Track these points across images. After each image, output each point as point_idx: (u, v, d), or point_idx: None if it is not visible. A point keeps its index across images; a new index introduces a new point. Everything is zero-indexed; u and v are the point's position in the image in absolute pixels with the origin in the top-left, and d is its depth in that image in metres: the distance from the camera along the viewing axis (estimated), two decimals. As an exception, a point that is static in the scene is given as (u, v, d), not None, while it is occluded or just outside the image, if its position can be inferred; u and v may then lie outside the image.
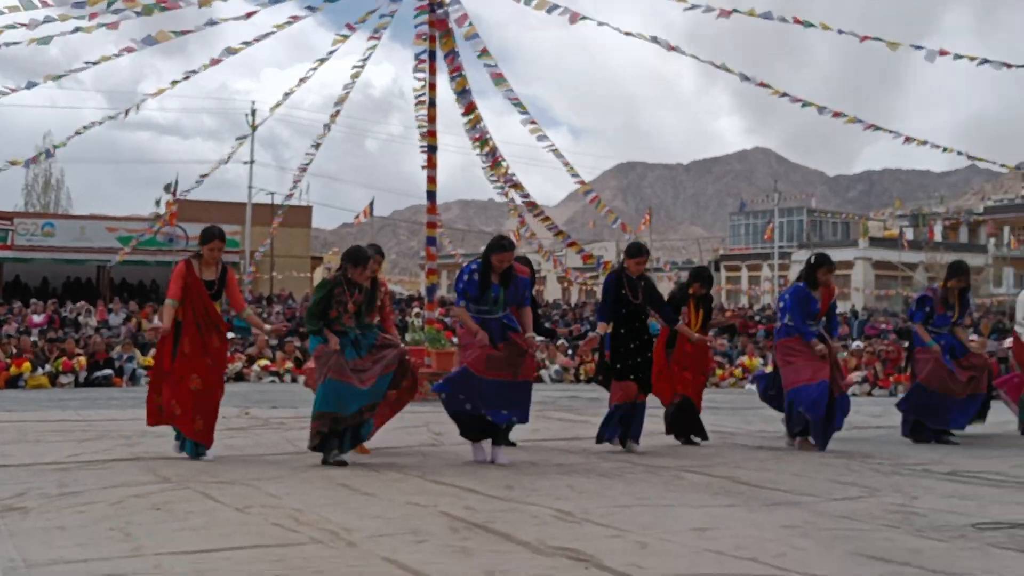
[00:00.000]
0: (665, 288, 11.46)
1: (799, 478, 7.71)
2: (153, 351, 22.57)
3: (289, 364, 23.09)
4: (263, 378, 22.71)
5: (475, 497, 6.58)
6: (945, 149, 18.34)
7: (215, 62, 17.73)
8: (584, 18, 17.01)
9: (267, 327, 9.69)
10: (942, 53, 15.64)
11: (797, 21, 16.14)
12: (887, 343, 24.82)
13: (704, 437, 10.28)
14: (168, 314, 8.53)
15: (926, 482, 7.55)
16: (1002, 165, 18.71)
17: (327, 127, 20.77)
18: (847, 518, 5.87)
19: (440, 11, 17.83)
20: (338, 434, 8.21)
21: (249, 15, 16.60)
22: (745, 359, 24.51)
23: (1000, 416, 11.76)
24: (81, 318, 27.12)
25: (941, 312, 10.65)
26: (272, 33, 17.38)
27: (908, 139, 17.61)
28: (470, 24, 18.09)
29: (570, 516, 5.83)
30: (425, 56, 18.08)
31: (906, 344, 14.39)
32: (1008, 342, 13.78)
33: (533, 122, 19.05)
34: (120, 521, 5.57)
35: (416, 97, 18.51)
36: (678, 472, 8.00)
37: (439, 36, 17.89)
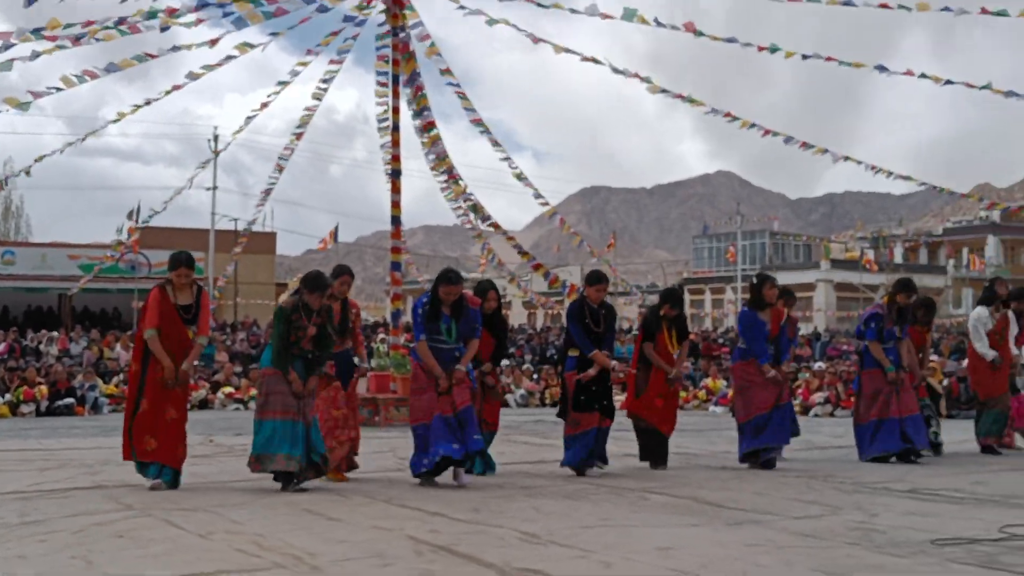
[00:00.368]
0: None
1: (761, 497, 7.77)
2: (116, 379, 22.59)
3: (254, 391, 22.94)
4: (227, 405, 22.57)
5: (441, 520, 6.58)
6: (909, 178, 18.62)
7: (177, 87, 17.73)
8: (543, 41, 17.11)
9: (194, 364, 9.48)
10: (907, 73, 15.88)
11: (761, 48, 16.30)
12: (849, 364, 24.97)
13: (663, 465, 10.21)
14: (157, 347, 8.28)
15: (886, 500, 7.62)
16: (964, 194, 19.03)
17: (290, 148, 20.78)
18: (809, 536, 5.92)
19: (403, 35, 17.91)
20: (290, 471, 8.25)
21: (214, 42, 16.59)
22: (709, 381, 24.59)
23: (955, 435, 11.85)
24: (42, 346, 26.88)
25: (890, 327, 10.81)
26: (233, 57, 17.39)
27: (875, 168, 17.86)
28: (432, 44, 18.19)
29: (535, 538, 5.85)
30: (387, 79, 18.13)
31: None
32: (966, 362, 13.92)
33: (497, 143, 19.16)
34: (82, 549, 5.53)
35: (379, 121, 18.57)
36: (642, 493, 8.04)
37: (402, 59, 17.95)
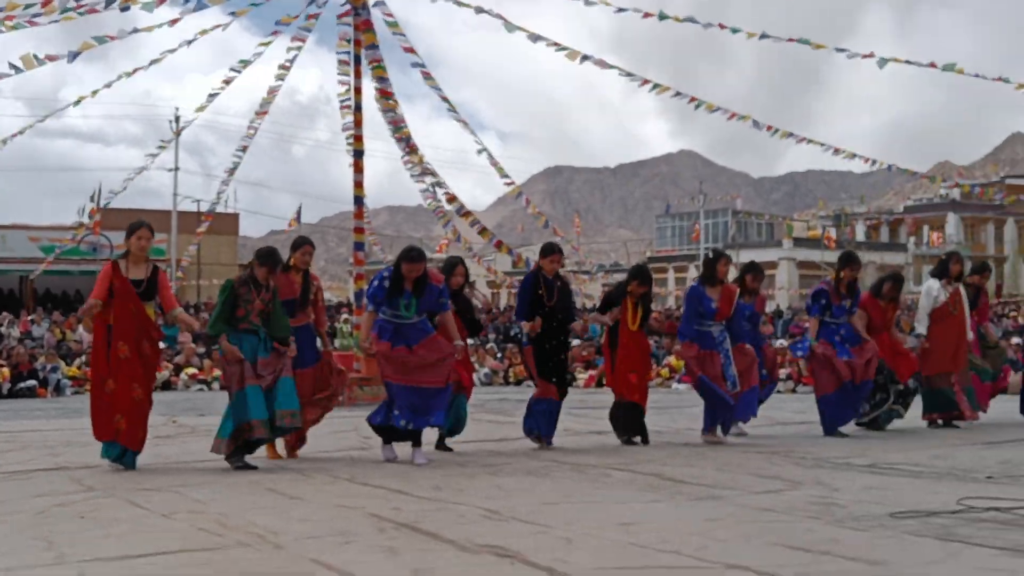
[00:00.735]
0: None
1: (722, 473, 7.83)
2: (78, 360, 22.44)
3: (217, 372, 22.87)
4: (191, 386, 22.49)
5: (403, 498, 6.60)
6: (876, 162, 18.74)
7: (139, 69, 17.57)
8: (512, 26, 17.04)
9: (195, 324, 9.55)
10: (866, 56, 15.95)
11: (722, 26, 16.34)
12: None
13: (645, 440, 10.28)
14: (88, 313, 8.31)
15: (847, 474, 7.70)
16: (922, 175, 19.20)
17: (253, 127, 20.63)
18: (769, 510, 5.98)
19: (363, 12, 17.79)
20: (249, 444, 8.35)
21: (173, 22, 16.43)
22: (671, 359, 24.71)
23: (912, 411, 11.94)
24: (4, 329, 26.65)
25: (837, 303, 10.95)
26: (195, 40, 17.25)
27: (837, 150, 17.99)
28: (395, 23, 18.11)
29: (497, 515, 5.88)
30: (348, 58, 18.03)
31: None
32: None
33: (464, 122, 19.12)
34: (44, 530, 5.51)
35: (341, 102, 18.45)
36: (605, 470, 8.08)
37: (363, 33, 17.83)
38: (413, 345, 8.58)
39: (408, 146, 18.99)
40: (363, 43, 17.79)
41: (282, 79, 19.90)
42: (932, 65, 15.96)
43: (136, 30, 16.04)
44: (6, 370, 20.65)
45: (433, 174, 19.58)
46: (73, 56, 14.77)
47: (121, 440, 8.25)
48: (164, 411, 13.91)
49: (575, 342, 22.07)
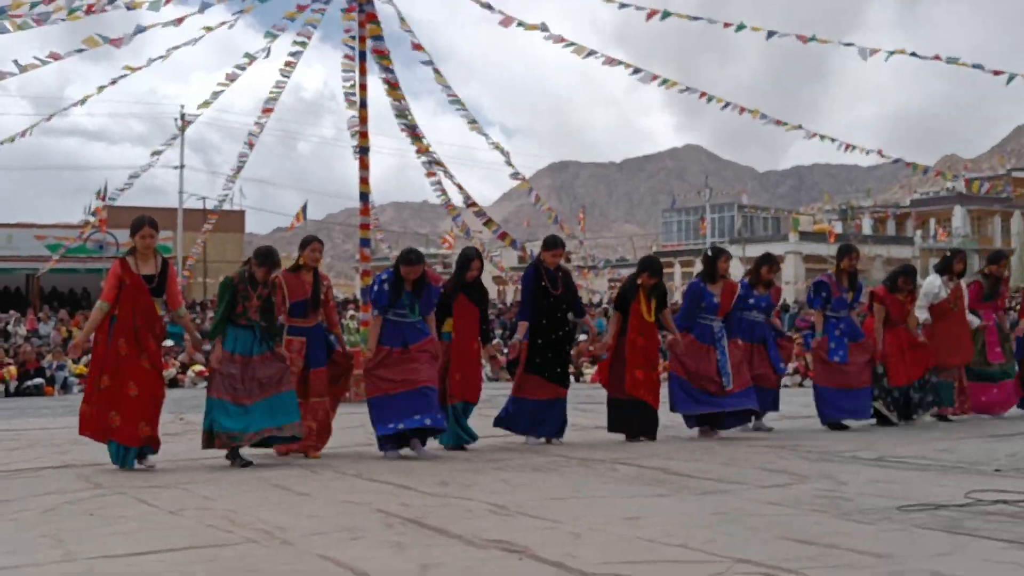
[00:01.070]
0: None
1: (729, 467, 7.83)
2: (85, 358, 22.47)
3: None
4: (198, 383, 22.51)
5: (410, 494, 6.61)
6: (882, 154, 18.66)
7: (142, 67, 17.55)
8: (527, 26, 16.98)
9: (197, 335, 9.53)
10: (873, 52, 15.89)
11: (727, 25, 16.28)
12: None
13: (652, 437, 10.17)
14: (95, 318, 8.23)
15: (853, 468, 7.70)
16: (935, 171, 19.13)
17: (259, 123, 20.60)
18: (776, 504, 5.98)
19: (368, 6, 17.75)
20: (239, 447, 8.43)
21: (179, 21, 16.42)
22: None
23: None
24: (10, 327, 26.73)
25: (838, 296, 10.97)
26: (201, 38, 17.21)
27: (850, 146, 17.90)
28: (402, 18, 18.08)
29: (504, 509, 5.88)
30: (354, 54, 18.00)
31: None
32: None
33: (473, 120, 19.07)
34: (52, 528, 5.53)
35: (346, 95, 18.42)
36: (612, 464, 8.09)
37: (367, 26, 17.79)
38: (411, 345, 8.70)
39: (413, 133, 18.96)
40: (367, 35, 17.76)
41: (287, 76, 19.87)
42: (936, 57, 15.91)
43: (141, 29, 16.02)
44: (13, 368, 20.72)
45: (440, 163, 19.55)
46: (78, 50, 14.78)
47: (115, 437, 8.13)
48: (171, 408, 13.91)
49: (581, 337, 21.95)
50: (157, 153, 20.96)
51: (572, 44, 17.07)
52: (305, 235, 9.44)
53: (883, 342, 11.14)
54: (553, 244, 9.86)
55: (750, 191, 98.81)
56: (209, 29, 17.34)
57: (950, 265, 11.95)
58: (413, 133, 18.90)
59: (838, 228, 68.00)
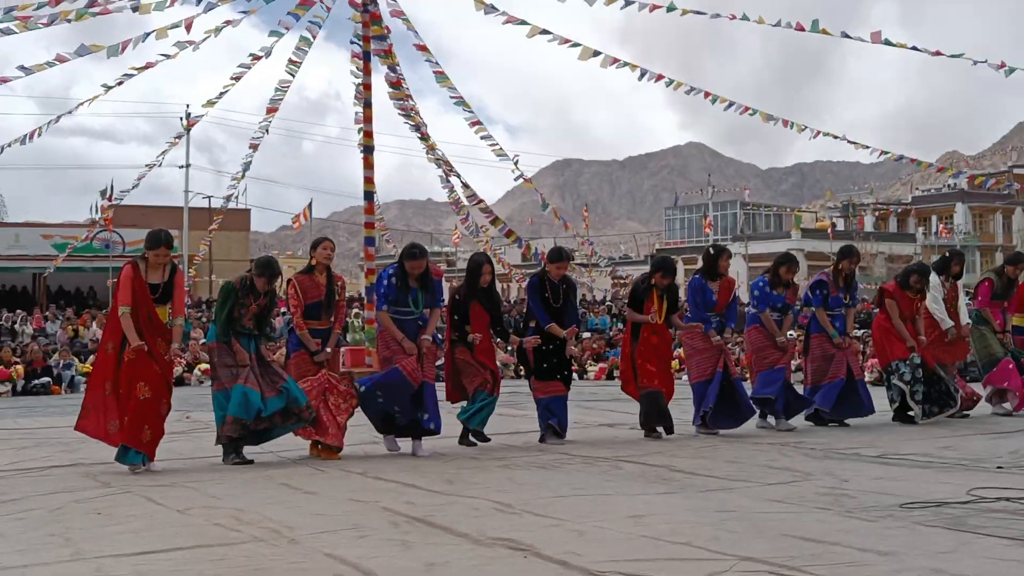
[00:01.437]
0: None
1: (733, 465, 7.86)
2: (92, 357, 22.51)
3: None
4: (204, 382, 22.56)
5: (416, 492, 6.65)
6: (903, 157, 18.64)
7: (150, 65, 17.55)
8: (535, 28, 16.97)
9: (181, 346, 9.61)
10: (874, 40, 15.86)
11: (733, 17, 16.28)
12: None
13: (669, 431, 10.24)
14: (128, 324, 8.06)
15: (856, 465, 7.73)
16: (938, 168, 19.12)
17: (266, 121, 20.59)
18: (780, 502, 6.01)
19: (372, 6, 17.75)
20: (243, 439, 8.50)
21: (188, 26, 16.40)
22: (681, 351, 24.69)
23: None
24: (17, 326, 26.80)
25: (835, 295, 11.06)
26: (206, 39, 17.21)
27: (857, 145, 17.89)
28: (407, 19, 18.08)
29: (509, 508, 5.92)
30: (359, 52, 17.99)
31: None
32: None
33: (478, 123, 19.07)
34: (60, 527, 5.57)
35: (356, 90, 18.41)
36: (616, 462, 8.12)
37: (371, 26, 17.79)
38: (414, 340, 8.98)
39: (421, 133, 18.98)
40: (371, 35, 17.77)
41: (292, 74, 19.88)
42: (938, 53, 15.90)
43: (148, 34, 16.01)
44: (20, 367, 20.76)
45: (447, 163, 19.56)
46: (84, 52, 14.79)
47: (121, 439, 8.07)
48: (178, 407, 13.93)
49: (586, 335, 22.01)
50: (163, 152, 20.97)
51: (577, 44, 17.06)
52: (316, 236, 9.58)
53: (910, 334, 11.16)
54: (558, 257, 10.02)
55: (752, 188, 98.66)
56: (218, 29, 17.34)
57: (947, 266, 12.00)
58: (421, 133, 18.92)
59: (840, 225, 67.91)
